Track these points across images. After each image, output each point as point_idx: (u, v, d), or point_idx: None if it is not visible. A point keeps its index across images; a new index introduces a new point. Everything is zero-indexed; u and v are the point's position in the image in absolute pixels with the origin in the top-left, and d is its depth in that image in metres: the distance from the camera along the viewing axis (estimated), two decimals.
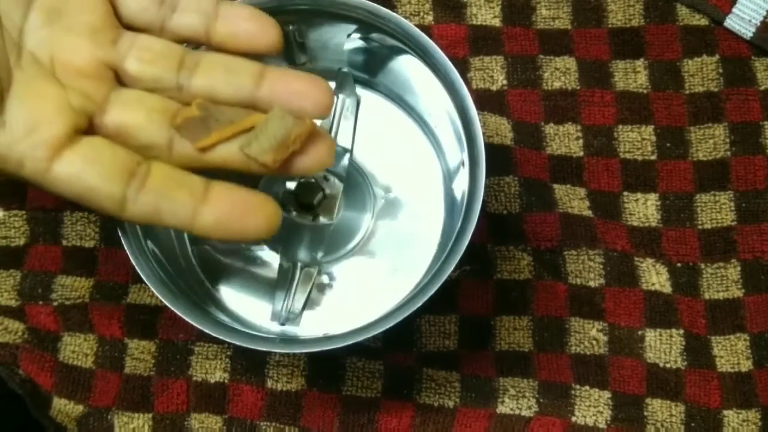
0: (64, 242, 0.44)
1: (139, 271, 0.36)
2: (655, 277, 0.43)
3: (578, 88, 0.45)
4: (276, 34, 0.33)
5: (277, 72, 0.32)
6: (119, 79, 0.32)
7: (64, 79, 0.31)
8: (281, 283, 0.41)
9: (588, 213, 0.44)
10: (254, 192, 0.31)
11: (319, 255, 0.42)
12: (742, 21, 0.45)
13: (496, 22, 0.46)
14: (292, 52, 0.42)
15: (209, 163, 0.32)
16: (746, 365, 0.42)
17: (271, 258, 0.43)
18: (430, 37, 0.38)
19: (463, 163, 0.39)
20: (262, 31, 0.33)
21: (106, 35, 0.32)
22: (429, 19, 0.46)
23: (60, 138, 0.29)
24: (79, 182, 0.29)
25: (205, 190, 0.30)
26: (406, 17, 0.42)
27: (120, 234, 0.36)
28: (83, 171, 0.29)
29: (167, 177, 0.31)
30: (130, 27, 0.33)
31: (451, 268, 0.35)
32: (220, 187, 0.31)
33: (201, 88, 0.32)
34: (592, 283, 0.43)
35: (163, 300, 0.36)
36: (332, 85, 0.43)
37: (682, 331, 0.42)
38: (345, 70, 0.43)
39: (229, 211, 0.30)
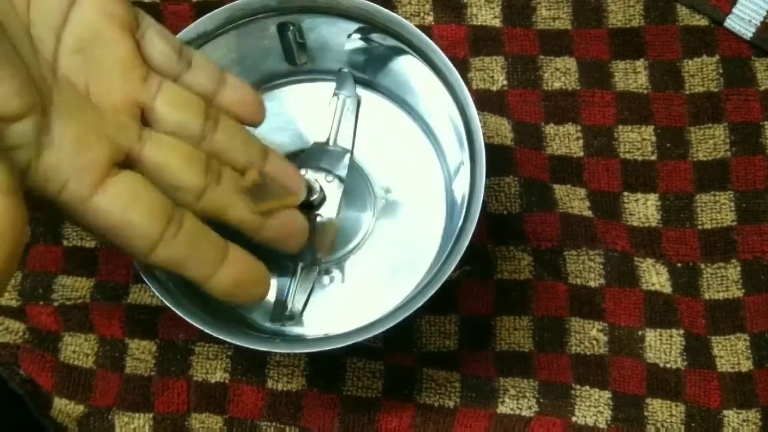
0: (65, 242, 0.44)
1: (140, 271, 0.36)
2: (655, 277, 0.43)
3: (578, 88, 0.46)
4: (263, 113, 0.36)
5: (276, 159, 0.35)
6: (144, 121, 0.32)
7: (100, 109, 0.30)
8: (282, 284, 0.41)
9: (588, 213, 0.44)
10: (259, 261, 0.33)
11: (320, 255, 0.42)
12: (742, 21, 0.45)
13: (497, 23, 0.46)
14: (292, 52, 0.42)
15: (227, 220, 0.33)
16: (746, 365, 0.42)
17: (271, 258, 0.43)
18: (431, 37, 0.38)
19: (463, 164, 0.39)
20: (259, 107, 0.36)
21: (136, 72, 0.32)
22: (429, 19, 0.46)
23: (105, 164, 0.29)
24: (119, 216, 0.29)
25: (225, 250, 0.32)
26: (406, 17, 0.42)
27: None
28: (127, 205, 0.29)
29: (199, 228, 0.31)
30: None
31: (452, 268, 0.35)
32: (237, 250, 0.32)
33: (221, 144, 0.33)
34: (592, 283, 0.43)
35: (164, 300, 0.36)
36: (332, 85, 0.43)
37: (682, 331, 0.42)
38: (345, 70, 0.43)
39: (244, 275, 0.32)
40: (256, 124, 0.36)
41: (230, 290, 0.32)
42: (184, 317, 0.35)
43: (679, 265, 0.43)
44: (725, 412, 0.41)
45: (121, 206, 0.29)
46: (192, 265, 0.31)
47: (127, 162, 0.30)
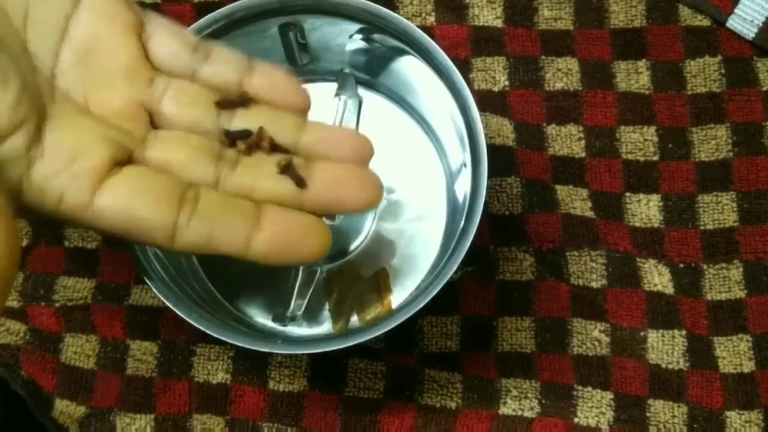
0: (66, 243, 0.44)
1: (141, 272, 0.36)
2: (657, 277, 0.43)
3: (580, 88, 0.45)
4: (307, 96, 0.33)
5: (318, 126, 0.32)
6: (153, 122, 0.31)
7: (100, 118, 0.30)
8: (283, 284, 0.41)
9: (590, 214, 0.44)
10: (305, 214, 0.30)
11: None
12: (744, 21, 0.45)
13: (498, 23, 0.46)
14: (293, 53, 0.42)
15: (258, 200, 0.31)
16: (748, 366, 0.42)
17: None
18: (432, 38, 0.38)
19: (465, 164, 0.39)
20: (296, 89, 0.33)
21: (141, 75, 0.31)
22: (431, 20, 0.46)
23: (102, 167, 0.28)
24: (126, 212, 0.28)
25: (257, 215, 0.30)
26: (408, 18, 0.42)
27: None
28: (130, 200, 0.28)
29: (218, 201, 0.30)
30: (160, 71, 0.32)
31: (454, 269, 0.35)
32: (273, 211, 0.30)
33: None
34: (594, 284, 0.43)
35: (165, 301, 0.36)
36: (334, 85, 0.43)
37: (684, 332, 0.42)
38: (347, 70, 0.43)
39: (284, 236, 0.30)
40: (299, 107, 0.33)
41: (271, 254, 0.29)
42: (186, 318, 0.35)
43: (681, 265, 0.43)
44: (727, 413, 0.41)
45: (126, 203, 0.28)
46: (221, 241, 0.29)
47: (131, 162, 0.30)
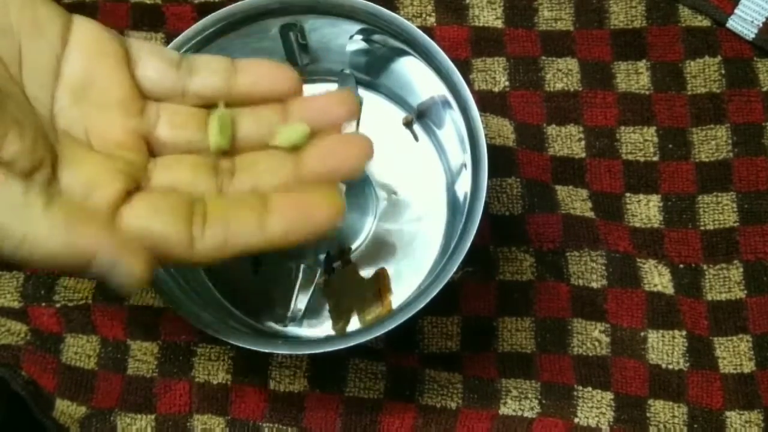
0: None
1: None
2: (657, 278, 0.43)
3: (580, 89, 0.46)
4: (294, 77, 0.33)
5: (301, 103, 0.33)
6: (150, 150, 0.32)
7: (104, 151, 0.31)
8: (284, 285, 0.41)
9: (590, 214, 0.44)
10: (311, 186, 0.31)
11: (322, 256, 0.42)
12: (744, 22, 0.45)
13: (498, 24, 0.46)
14: (294, 53, 0.42)
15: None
16: (749, 366, 0.42)
17: (273, 260, 0.43)
18: (433, 38, 0.38)
19: (465, 165, 0.39)
20: (283, 75, 0.33)
21: (135, 106, 0.32)
22: (431, 20, 0.46)
23: (117, 198, 0.29)
24: (147, 234, 0.29)
25: (264, 203, 0.30)
26: (408, 19, 0.42)
27: None
28: (150, 221, 0.29)
29: (224, 205, 0.31)
30: (150, 97, 0.33)
31: (454, 269, 0.35)
32: (278, 195, 0.31)
33: (240, 138, 0.33)
34: (594, 284, 0.43)
35: (166, 301, 0.36)
36: (334, 86, 0.43)
37: (684, 332, 0.42)
38: (347, 71, 0.43)
39: (296, 214, 0.30)
40: (289, 92, 0.33)
41: (288, 234, 0.30)
42: (186, 318, 0.35)
43: (681, 266, 0.43)
44: (728, 413, 0.41)
45: (146, 225, 0.29)
46: (236, 238, 0.30)
47: (139, 191, 0.31)
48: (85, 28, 0.31)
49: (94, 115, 0.31)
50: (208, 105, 0.33)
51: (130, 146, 0.31)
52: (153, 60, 0.32)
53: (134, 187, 0.30)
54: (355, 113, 0.33)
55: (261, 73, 0.33)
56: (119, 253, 0.27)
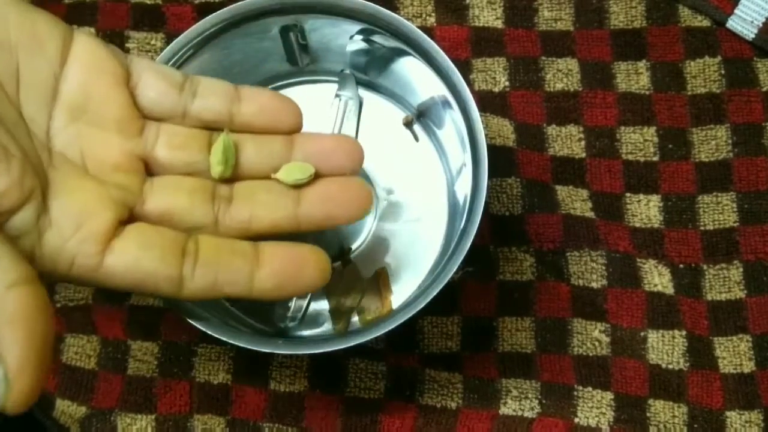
0: None
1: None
2: (657, 278, 0.43)
3: (580, 89, 0.46)
4: (297, 112, 0.34)
5: (307, 140, 0.33)
6: (149, 170, 0.32)
7: (98, 174, 0.30)
8: None
9: (590, 214, 0.44)
10: (301, 245, 0.32)
11: None
12: (744, 22, 0.45)
13: (498, 24, 0.46)
14: (294, 54, 0.42)
15: (258, 231, 0.32)
16: (749, 366, 0.42)
17: None
18: (433, 38, 0.38)
19: (465, 165, 0.39)
20: (286, 109, 0.34)
21: (133, 126, 0.31)
22: (431, 20, 0.46)
23: (108, 229, 0.29)
24: (135, 270, 0.29)
25: (255, 253, 0.31)
26: (408, 19, 0.42)
27: None
28: (139, 258, 0.29)
29: (218, 248, 0.30)
30: (150, 117, 0.32)
31: (454, 269, 0.35)
32: (269, 247, 0.31)
33: (241, 164, 0.33)
34: (594, 284, 0.43)
35: (166, 302, 0.36)
36: (334, 86, 0.43)
37: (684, 332, 0.42)
38: (347, 71, 0.43)
39: (284, 269, 0.31)
40: (290, 128, 0.34)
41: (274, 290, 0.31)
42: (186, 318, 0.35)
43: (681, 266, 0.43)
44: (728, 413, 0.41)
45: (134, 261, 0.29)
46: (225, 285, 0.30)
47: (132, 217, 0.30)
48: (84, 45, 0.31)
49: (91, 135, 0.30)
50: (208, 127, 0.33)
51: (126, 168, 0.31)
52: (154, 79, 0.32)
53: (127, 215, 0.30)
54: (359, 165, 0.33)
55: (264, 103, 0.33)
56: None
